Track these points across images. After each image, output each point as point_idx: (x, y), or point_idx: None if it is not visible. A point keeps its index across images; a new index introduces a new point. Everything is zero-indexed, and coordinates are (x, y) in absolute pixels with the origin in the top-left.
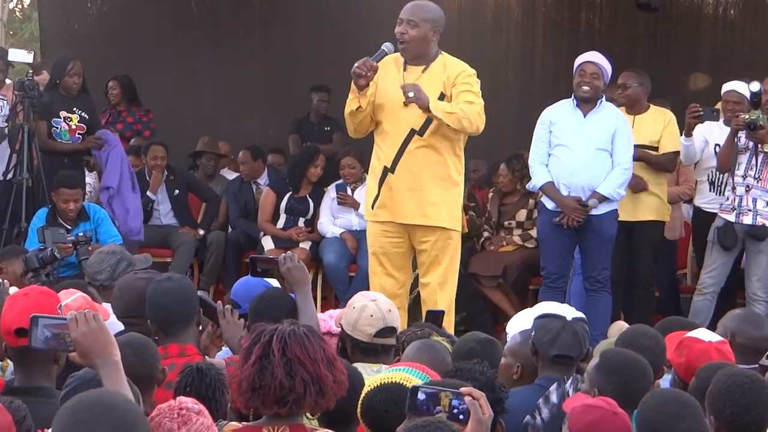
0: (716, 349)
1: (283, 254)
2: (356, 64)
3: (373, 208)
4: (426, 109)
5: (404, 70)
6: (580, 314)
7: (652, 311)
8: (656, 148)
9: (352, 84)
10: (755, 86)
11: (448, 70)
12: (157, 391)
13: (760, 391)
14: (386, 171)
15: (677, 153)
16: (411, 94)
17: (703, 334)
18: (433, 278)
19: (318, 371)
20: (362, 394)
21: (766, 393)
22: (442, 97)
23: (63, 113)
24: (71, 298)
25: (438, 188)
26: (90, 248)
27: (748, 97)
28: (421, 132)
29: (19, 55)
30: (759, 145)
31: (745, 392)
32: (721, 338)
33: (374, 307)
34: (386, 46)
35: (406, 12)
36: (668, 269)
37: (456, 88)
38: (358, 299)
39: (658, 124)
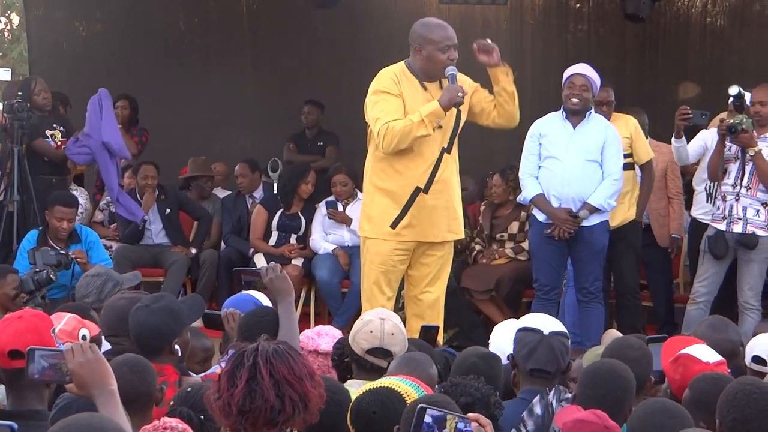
0: (712, 371)
1: (266, 265)
2: (460, 93)
3: (394, 227)
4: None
5: (424, 89)
6: (560, 328)
7: (641, 319)
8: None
9: (434, 108)
10: (734, 90)
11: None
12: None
13: (766, 404)
14: (418, 191)
15: (651, 159)
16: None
17: (702, 352)
18: (435, 290)
19: (305, 389)
20: (351, 402)
21: None
22: (459, 113)
23: (48, 132)
24: (63, 321)
25: (458, 200)
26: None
27: (732, 101)
28: (449, 149)
29: None
30: (747, 153)
31: (750, 402)
32: (719, 358)
33: (378, 325)
34: (452, 68)
35: (455, 36)
36: (664, 279)
37: (475, 94)
38: (370, 314)
39: (622, 132)
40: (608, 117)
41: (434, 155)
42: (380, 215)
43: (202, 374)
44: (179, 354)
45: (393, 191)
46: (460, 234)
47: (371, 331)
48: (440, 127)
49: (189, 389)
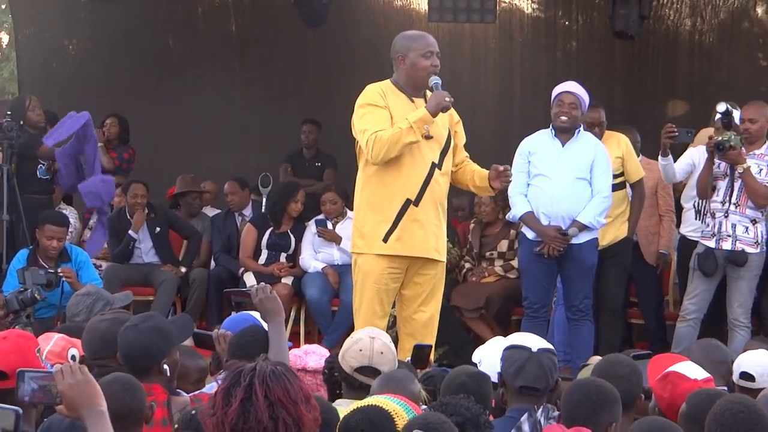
0: (709, 387)
1: (256, 286)
2: (447, 98)
3: (386, 241)
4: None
5: (412, 102)
6: (548, 345)
7: (620, 337)
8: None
9: (422, 114)
10: (722, 107)
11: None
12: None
13: (753, 423)
14: (408, 203)
15: (641, 179)
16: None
17: (690, 369)
18: (429, 310)
19: (299, 412)
20: (339, 421)
21: (759, 426)
22: (449, 133)
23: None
24: (51, 341)
25: (444, 220)
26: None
27: (720, 118)
28: (440, 165)
29: None
30: (736, 170)
31: (737, 421)
32: (707, 375)
33: (368, 343)
34: (436, 78)
35: (437, 45)
36: (654, 296)
37: (456, 132)
38: (360, 332)
39: (614, 151)
40: (600, 137)
41: (426, 169)
42: (372, 230)
43: (192, 393)
44: (168, 374)
45: (384, 205)
46: (444, 256)
47: (360, 350)
48: (431, 137)
49: (193, 412)
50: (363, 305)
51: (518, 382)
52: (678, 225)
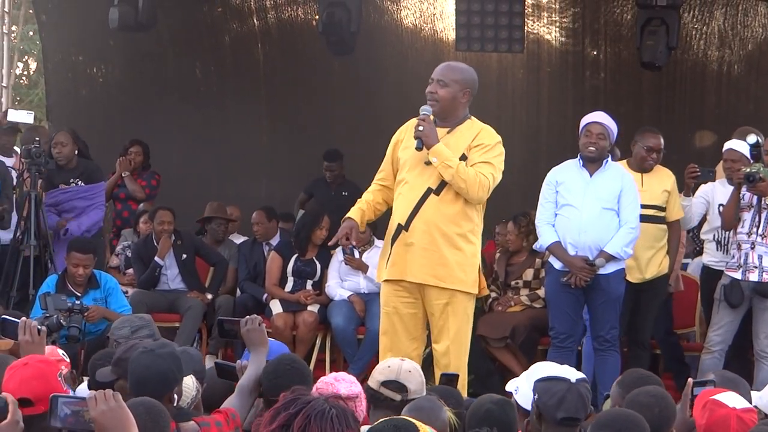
0: (737, 417)
1: (247, 317)
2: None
3: (386, 266)
4: (428, 148)
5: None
6: (582, 375)
7: (647, 369)
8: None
9: None
10: (752, 138)
11: (474, 134)
12: None
13: None
14: (400, 228)
15: (679, 219)
16: (420, 128)
17: (729, 398)
18: (446, 340)
19: None
20: None
21: None
22: (463, 158)
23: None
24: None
25: (450, 248)
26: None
27: (748, 151)
28: (437, 191)
29: (19, 116)
30: (762, 202)
31: None
32: (748, 405)
33: (397, 362)
34: (424, 109)
35: (437, 72)
36: (663, 326)
37: (473, 150)
38: (392, 358)
39: (661, 185)
40: (655, 164)
41: (419, 194)
42: (382, 257)
43: (198, 417)
44: (175, 402)
45: (389, 231)
46: (450, 283)
47: (389, 366)
48: (428, 162)
49: None
50: (380, 330)
51: (560, 413)
52: (698, 254)
